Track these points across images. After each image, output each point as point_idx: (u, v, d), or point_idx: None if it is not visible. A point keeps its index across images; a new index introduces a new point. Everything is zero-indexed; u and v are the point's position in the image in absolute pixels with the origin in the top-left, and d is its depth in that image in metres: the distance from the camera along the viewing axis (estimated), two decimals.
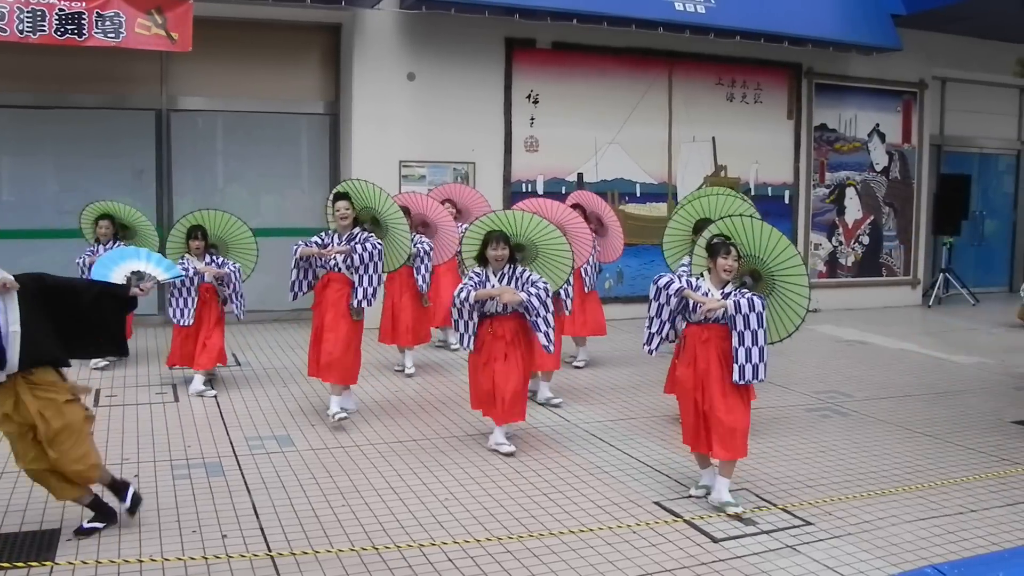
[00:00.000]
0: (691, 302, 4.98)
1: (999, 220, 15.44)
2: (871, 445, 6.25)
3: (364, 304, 6.53)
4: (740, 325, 4.82)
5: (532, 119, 11.11)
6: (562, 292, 6.69)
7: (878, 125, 13.21)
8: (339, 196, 6.69)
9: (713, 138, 12.10)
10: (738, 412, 4.91)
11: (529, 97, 11.07)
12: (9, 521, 4.61)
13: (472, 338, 5.84)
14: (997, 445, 6.35)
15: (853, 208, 13.17)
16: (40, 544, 4.34)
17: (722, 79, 12.09)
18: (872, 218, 13.31)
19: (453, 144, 10.68)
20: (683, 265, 6.43)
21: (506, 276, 5.80)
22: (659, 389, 7.80)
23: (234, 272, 7.37)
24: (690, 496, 5.17)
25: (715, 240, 5.11)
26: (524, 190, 11.05)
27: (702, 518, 4.83)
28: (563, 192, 11.00)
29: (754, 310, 4.82)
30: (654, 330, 5.13)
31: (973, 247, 14.97)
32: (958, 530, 4.78)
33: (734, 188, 12.05)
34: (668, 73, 11.76)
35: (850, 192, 13.13)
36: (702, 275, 5.08)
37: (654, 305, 5.10)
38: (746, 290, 4.96)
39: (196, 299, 7.28)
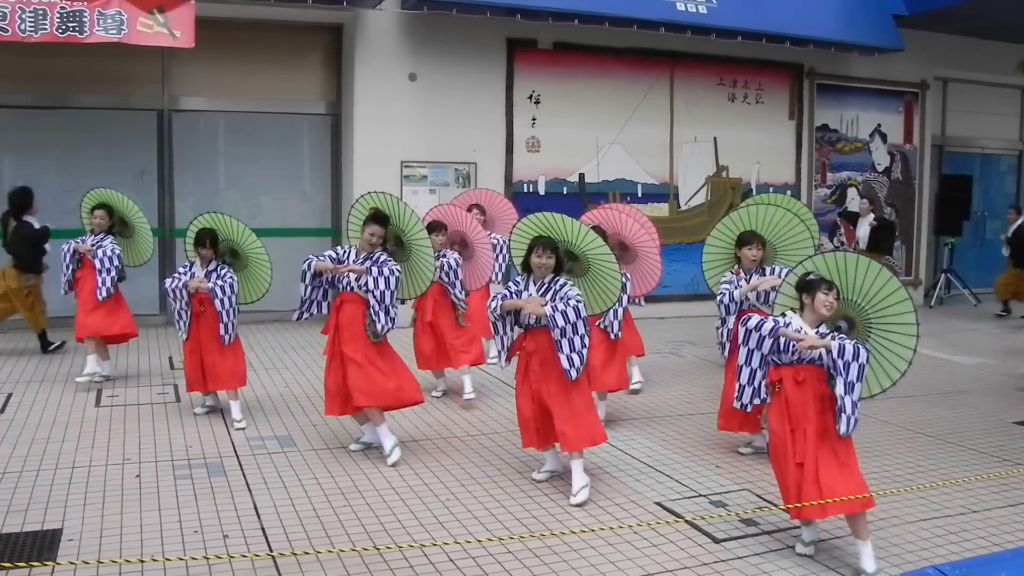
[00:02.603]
0: (783, 343, 4.35)
1: (1001, 221, 15.40)
2: (873, 445, 6.24)
3: (381, 331, 5.73)
4: (846, 373, 4.19)
5: (534, 119, 11.11)
6: (609, 314, 6.23)
7: (880, 125, 13.22)
8: (377, 219, 5.79)
9: (715, 138, 12.10)
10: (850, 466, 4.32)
11: (531, 97, 11.07)
12: (11, 521, 4.61)
13: (507, 352, 5.26)
14: (999, 446, 6.35)
15: (855, 208, 13.15)
16: (42, 544, 4.35)
17: (723, 79, 12.09)
18: None
19: (455, 144, 10.68)
20: (725, 282, 5.95)
21: (545, 286, 5.12)
22: (659, 388, 7.84)
23: (220, 288, 6.31)
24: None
25: (810, 277, 4.45)
26: (525, 190, 11.06)
27: (703, 519, 4.83)
28: (564, 192, 11.03)
29: (857, 359, 4.18)
30: (744, 381, 4.52)
31: (975, 248, 14.98)
32: (960, 531, 4.77)
33: (735, 189, 12.18)
34: (670, 73, 11.76)
35: (852, 192, 13.13)
36: (787, 312, 4.48)
37: (742, 352, 4.48)
38: (843, 335, 4.35)
39: (189, 310, 6.43)
